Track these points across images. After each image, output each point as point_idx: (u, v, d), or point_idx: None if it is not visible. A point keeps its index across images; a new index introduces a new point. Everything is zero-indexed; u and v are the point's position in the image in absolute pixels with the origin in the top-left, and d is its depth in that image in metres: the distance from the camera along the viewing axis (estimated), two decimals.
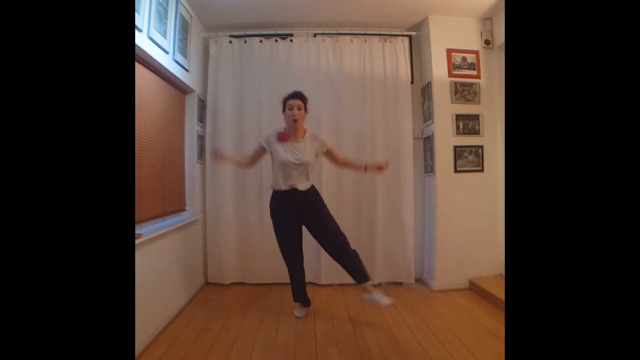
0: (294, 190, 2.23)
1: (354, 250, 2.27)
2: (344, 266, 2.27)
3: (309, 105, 2.30)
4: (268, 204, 3.02)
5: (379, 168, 2.34)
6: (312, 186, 2.32)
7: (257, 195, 3.09)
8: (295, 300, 2.45)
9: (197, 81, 2.99)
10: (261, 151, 2.33)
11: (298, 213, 2.26)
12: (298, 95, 2.25)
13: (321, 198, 2.35)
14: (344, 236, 2.28)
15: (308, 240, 2.42)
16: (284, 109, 2.27)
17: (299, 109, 2.21)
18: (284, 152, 2.22)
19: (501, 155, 2.98)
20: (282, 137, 2.24)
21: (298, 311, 2.42)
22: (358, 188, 3.07)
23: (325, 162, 3.05)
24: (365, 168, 2.40)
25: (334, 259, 2.28)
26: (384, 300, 2.21)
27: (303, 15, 3.00)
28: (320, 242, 2.32)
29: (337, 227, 2.30)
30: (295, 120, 2.20)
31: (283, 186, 2.23)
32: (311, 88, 2.98)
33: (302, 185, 2.24)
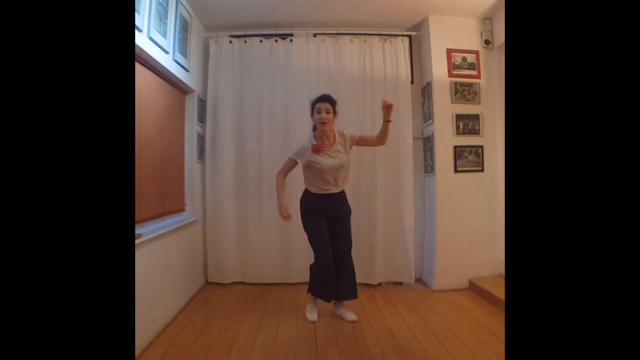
0: (329, 194, 2.28)
1: (353, 267, 2.36)
2: (337, 276, 2.29)
3: (338, 108, 2.29)
4: (268, 204, 3.05)
5: (387, 108, 2.06)
6: (343, 191, 2.35)
7: (257, 195, 3.09)
8: (312, 292, 2.37)
9: (197, 81, 2.99)
10: (293, 165, 2.30)
11: (330, 212, 2.29)
12: (326, 99, 2.23)
13: (349, 205, 2.39)
14: (350, 249, 2.36)
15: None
16: (312, 113, 2.26)
17: (327, 112, 2.20)
18: (322, 159, 2.22)
19: (501, 155, 2.98)
20: (317, 149, 2.22)
21: (310, 314, 2.35)
22: (358, 188, 3.07)
23: None
24: (385, 120, 2.13)
25: (335, 265, 2.27)
26: (350, 315, 2.33)
27: (303, 15, 3.00)
28: (333, 245, 2.30)
29: (351, 239, 2.37)
30: (324, 124, 2.20)
31: (320, 190, 2.28)
32: (311, 88, 2.98)
33: (338, 188, 2.29)
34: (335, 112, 2.25)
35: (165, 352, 1.90)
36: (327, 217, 2.28)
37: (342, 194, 2.32)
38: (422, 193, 3.21)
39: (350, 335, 2.11)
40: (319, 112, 2.21)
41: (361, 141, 2.33)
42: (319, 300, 2.37)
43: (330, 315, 2.40)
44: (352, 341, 2.04)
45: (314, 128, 2.32)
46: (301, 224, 2.35)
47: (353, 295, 2.36)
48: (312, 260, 2.35)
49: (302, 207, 2.33)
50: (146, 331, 1.98)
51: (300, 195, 2.38)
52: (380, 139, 2.24)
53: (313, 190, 2.29)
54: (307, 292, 2.42)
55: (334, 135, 2.29)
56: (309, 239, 2.32)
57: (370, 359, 1.84)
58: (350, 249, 2.36)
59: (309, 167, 2.27)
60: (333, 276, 2.27)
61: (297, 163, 2.27)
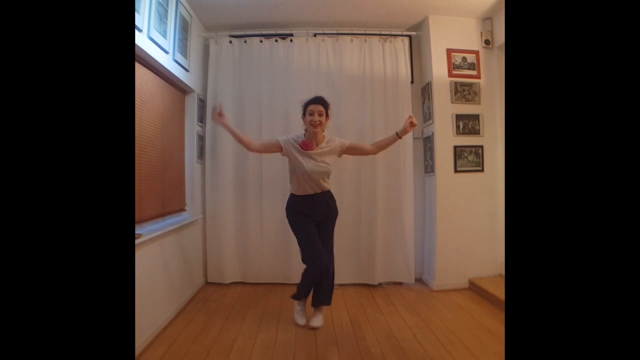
0: (311, 195, 2.20)
1: (334, 273, 2.32)
2: (318, 282, 2.26)
3: (330, 111, 2.22)
4: (268, 204, 3.05)
5: (411, 125, 2.15)
6: (329, 191, 2.27)
7: (257, 195, 3.09)
8: (300, 297, 2.31)
9: (197, 81, 2.99)
10: (276, 148, 2.20)
11: (314, 214, 2.20)
12: (319, 101, 2.16)
13: (336, 207, 2.31)
14: (332, 254, 2.31)
15: None
16: (304, 114, 2.18)
17: (320, 115, 2.12)
18: (304, 160, 2.14)
19: (501, 155, 2.98)
20: (306, 147, 2.14)
21: (299, 317, 2.30)
22: (358, 188, 3.07)
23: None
24: (398, 135, 2.22)
25: None
26: (316, 322, 2.23)
27: (303, 15, 3.00)
28: None
29: (333, 243, 2.32)
30: (315, 126, 2.12)
31: (301, 192, 2.20)
32: (311, 88, 2.98)
33: (320, 189, 2.21)
34: (327, 116, 2.18)
35: (165, 353, 1.90)
36: (312, 220, 2.21)
37: (326, 194, 2.24)
38: (422, 193, 3.21)
39: (350, 335, 2.11)
40: (312, 115, 2.12)
41: (352, 150, 2.27)
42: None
43: (330, 315, 2.40)
44: (352, 341, 2.04)
45: (306, 130, 2.22)
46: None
47: (328, 302, 2.31)
48: None
49: (288, 213, 2.27)
50: (146, 331, 1.97)
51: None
52: (378, 149, 2.28)
53: (296, 192, 2.23)
54: (292, 298, 2.36)
55: (323, 140, 2.21)
56: (299, 243, 2.23)
57: (370, 359, 1.84)
58: (332, 253, 2.28)
59: (291, 167, 2.21)
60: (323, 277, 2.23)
61: (280, 147, 2.17)
